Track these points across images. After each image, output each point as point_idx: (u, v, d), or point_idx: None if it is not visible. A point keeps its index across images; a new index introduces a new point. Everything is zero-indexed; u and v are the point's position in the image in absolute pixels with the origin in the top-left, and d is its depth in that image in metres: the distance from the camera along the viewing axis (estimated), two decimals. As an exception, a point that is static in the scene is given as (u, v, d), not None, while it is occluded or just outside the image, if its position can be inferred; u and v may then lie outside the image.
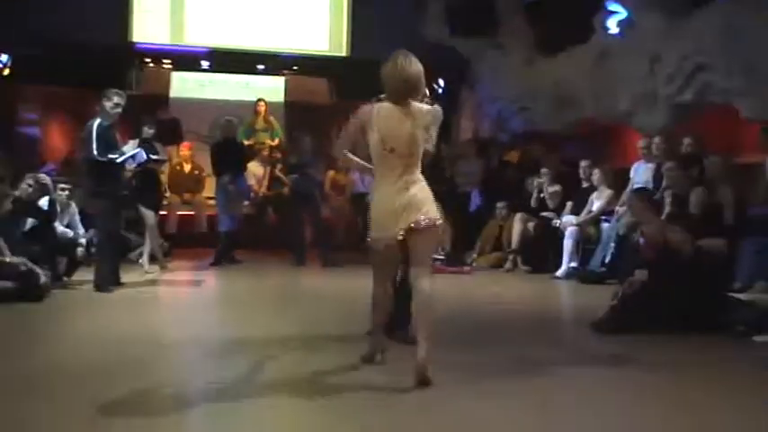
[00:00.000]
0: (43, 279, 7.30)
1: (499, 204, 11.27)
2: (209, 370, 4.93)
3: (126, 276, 8.53)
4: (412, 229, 4.44)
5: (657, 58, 9.87)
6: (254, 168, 12.63)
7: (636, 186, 9.17)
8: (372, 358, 4.89)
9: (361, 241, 13.61)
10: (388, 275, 4.76)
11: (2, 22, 12.47)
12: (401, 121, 4.52)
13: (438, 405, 4.09)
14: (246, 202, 12.11)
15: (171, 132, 13.38)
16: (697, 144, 9.29)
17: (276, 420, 3.95)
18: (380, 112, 4.58)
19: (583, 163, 10.48)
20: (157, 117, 13.53)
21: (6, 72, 13.56)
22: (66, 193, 8.77)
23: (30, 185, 8.03)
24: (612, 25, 11.06)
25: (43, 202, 8.47)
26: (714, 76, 9.05)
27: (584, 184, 10.38)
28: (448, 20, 13.89)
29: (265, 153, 12.98)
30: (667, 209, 8.39)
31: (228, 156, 10.93)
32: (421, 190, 4.52)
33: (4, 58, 13.43)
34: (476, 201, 12.35)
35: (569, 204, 10.43)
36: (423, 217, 4.44)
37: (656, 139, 9.67)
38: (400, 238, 4.43)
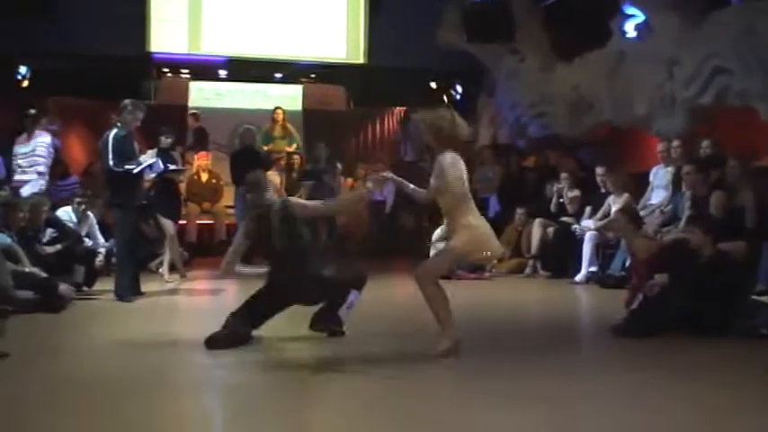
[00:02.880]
0: (62, 288, 7.34)
1: (519, 210, 11.22)
2: (229, 375, 4.94)
3: (146, 286, 8.56)
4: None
5: (675, 61, 9.82)
6: (273, 177, 12.66)
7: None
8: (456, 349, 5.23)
9: (377, 248, 13.58)
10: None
11: (21, 34, 12.59)
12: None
13: (454, 410, 4.07)
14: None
15: (198, 141, 13.53)
16: (715, 147, 9.23)
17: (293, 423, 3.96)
18: (458, 158, 5.24)
19: (598, 170, 10.41)
20: (191, 126, 13.67)
21: (25, 84, 13.68)
22: (83, 206, 8.83)
23: (22, 210, 7.96)
24: (630, 29, 11.00)
25: (61, 213, 8.55)
26: (732, 79, 8.99)
27: (603, 190, 10.32)
28: (464, 26, 13.89)
29: (283, 162, 13.01)
30: (687, 212, 8.35)
31: (247, 164, 10.93)
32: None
33: (24, 70, 13.56)
34: (494, 207, 12.31)
35: (588, 209, 10.37)
36: None
37: (675, 143, 9.62)
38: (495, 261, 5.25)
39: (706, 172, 8.48)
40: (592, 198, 10.43)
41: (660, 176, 9.77)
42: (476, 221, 5.26)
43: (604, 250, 9.88)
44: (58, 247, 8.12)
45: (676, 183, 9.22)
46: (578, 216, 10.48)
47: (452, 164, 5.20)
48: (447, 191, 5.20)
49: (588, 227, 9.98)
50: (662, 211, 9.29)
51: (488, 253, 5.38)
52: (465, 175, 5.26)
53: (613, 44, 11.12)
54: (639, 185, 10.03)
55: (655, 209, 9.45)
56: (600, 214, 9.96)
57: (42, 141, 10.19)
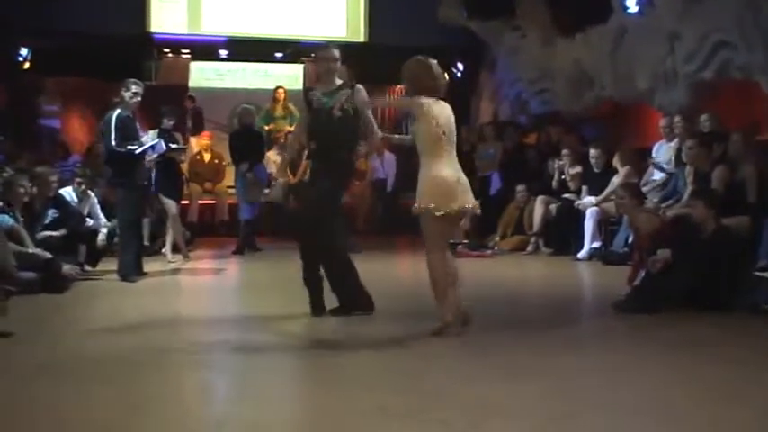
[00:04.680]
0: (66, 268, 7.36)
1: (519, 187, 11.21)
2: (231, 354, 4.96)
3: (149, 266, 8.58)
4: (465, 209, 5.15)
5: (677, 35, 9.77)
6: (274, 156, 12.66)
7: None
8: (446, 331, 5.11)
9: (380, 226, 13.59)
10: (445, 245, 5.28)
11: (21, 15, 12.54)
12: (447, 112, 5.29)
13: (457, 386, 4.09)
14: (266, 190, 12.13)
15: (195, 123, 13.53)
16: (714, 121, 9.20)
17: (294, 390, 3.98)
18: (432, 104, 5.24)
19: (592, 152, 10.35)
20: (188, 108, 13.67)
21: (27, 65, 13.66)
22: (83, 186, 8.84)
23: (22, 185, 7.92)
24: (632, 4, 10.95)
25: (63, 193, 8.55)
26: (734, 53, 8.95)
27: (596, 170, 10.27)
28: (465, 3, 13.82)
29: (283, 141, 13.00)
30: (689, 187, 8.33)
31: (246, 144, 10.94)
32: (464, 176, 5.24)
33: (25, 51, 13.53)
34: (496, 184, 12.30)
35: (585, 188, 10.33)
36: (472, 202, 5.21)
37: (677, 118, 9.58)
38: (464, 209, 5.13)
39: (708, 147, 8.45)
40: (594, 175, 10.37)
41: (663, 152, 9.73)
42: (444, 172, 5.13)
43: (607, 227, 9.88)
44: (63, 231, 8.13)
45: (678, 158, 9.19)
46: (580, 193, 10.45)
47: (424, 108, 5.20)
48: (418, 135, 5.23)
49: (590, 202, 9.96)
50: (665, 184, 9.27)
51: (455, 207, 5.10)
52: (441, 121, 5.18)
53: (615, 19, 11.06)
54: (642, 161, 10.00)
55: (657, 185, 9.43)
56: (605, 194, 9.88)
57: None
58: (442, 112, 5.25)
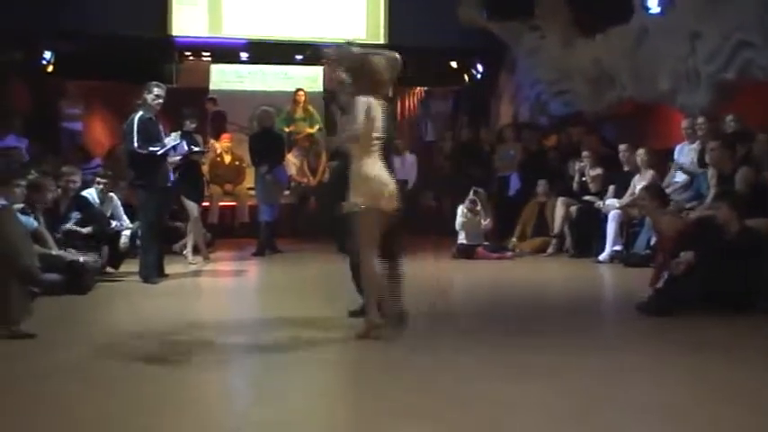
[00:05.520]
0: (87, 261, 7.42)
1: (540, 181, 11.15)
2: (250, 356, 4.98)
3: (170, 268, 8.62)
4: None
5: (698, 35, 9.72)
6: (294, 158, 12.69)
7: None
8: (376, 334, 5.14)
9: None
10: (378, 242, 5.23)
11: (43, 19, 12.64)
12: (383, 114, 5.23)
13: (470, 386, 4.11)
14: (286, 192, 12.15)
15: (217, 126, 13.62)
16: (739, 122, 9.13)
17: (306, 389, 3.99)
18: (374, 104, 5.19)
19: (621, 147, 10.31)
20: (209, 111, 13.74)
21: (50, 68, 13.77)
22: (102, 187, 8.90)
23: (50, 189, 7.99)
24: (653, 4, 10.89)
25: (85, 195, 8.60)
26: (756, 53, 8.89)
27: (626, 168, 10.22)
28: (484, 3, 13.80)
29: (305, 144, 13.01)
30: (712, 190, 8.27)
31: (266, 146, 10.96)
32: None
33: (48, 54, 13.65)
34: (515, 185, 12.27)
35: (612, 188, 10.27)
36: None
37: (701, 119, 9.52)
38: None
39: (732, 148, 8.38)
40: (615, 177, 10.33)
41: (685, 154, 9.67)
42: (376, 173, 5.15)
43: (629, 229, 9.81)
44: (90, 228, 8.19)
45: (701, 160, 9.13)
46: (601, 194, 10.39)
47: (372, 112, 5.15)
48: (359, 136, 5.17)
49: (613, 205, 9.90)
50: (687, 186, 9.22)
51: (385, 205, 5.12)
52: (378, 124, 5.15)
53: (636, 19, 11.01)
54: (663, 162, 9.94)
55: (679, 186, 9.37)
56: (627, 195, 9.83)
57: None
58: (379, 113, 5.21)
